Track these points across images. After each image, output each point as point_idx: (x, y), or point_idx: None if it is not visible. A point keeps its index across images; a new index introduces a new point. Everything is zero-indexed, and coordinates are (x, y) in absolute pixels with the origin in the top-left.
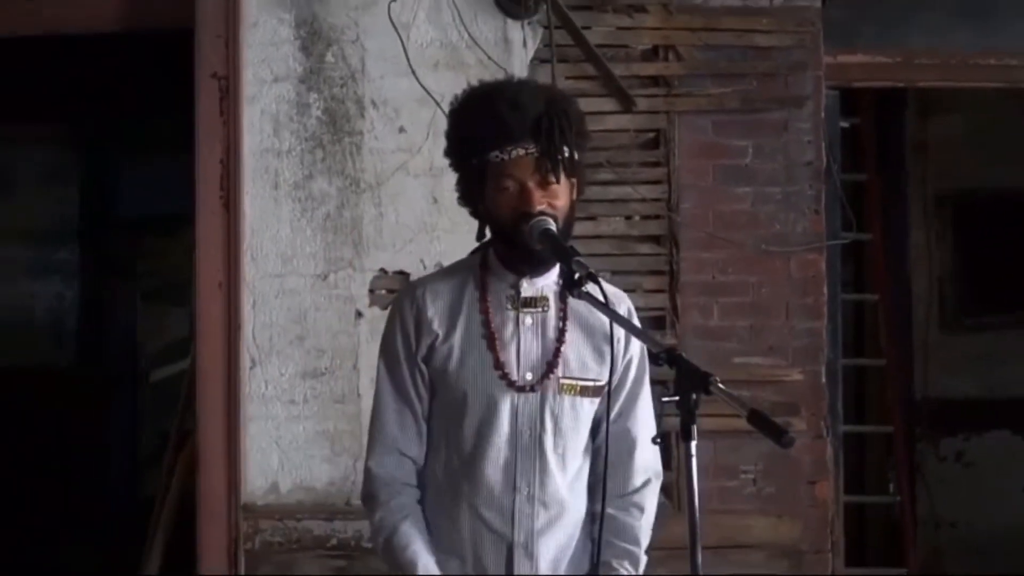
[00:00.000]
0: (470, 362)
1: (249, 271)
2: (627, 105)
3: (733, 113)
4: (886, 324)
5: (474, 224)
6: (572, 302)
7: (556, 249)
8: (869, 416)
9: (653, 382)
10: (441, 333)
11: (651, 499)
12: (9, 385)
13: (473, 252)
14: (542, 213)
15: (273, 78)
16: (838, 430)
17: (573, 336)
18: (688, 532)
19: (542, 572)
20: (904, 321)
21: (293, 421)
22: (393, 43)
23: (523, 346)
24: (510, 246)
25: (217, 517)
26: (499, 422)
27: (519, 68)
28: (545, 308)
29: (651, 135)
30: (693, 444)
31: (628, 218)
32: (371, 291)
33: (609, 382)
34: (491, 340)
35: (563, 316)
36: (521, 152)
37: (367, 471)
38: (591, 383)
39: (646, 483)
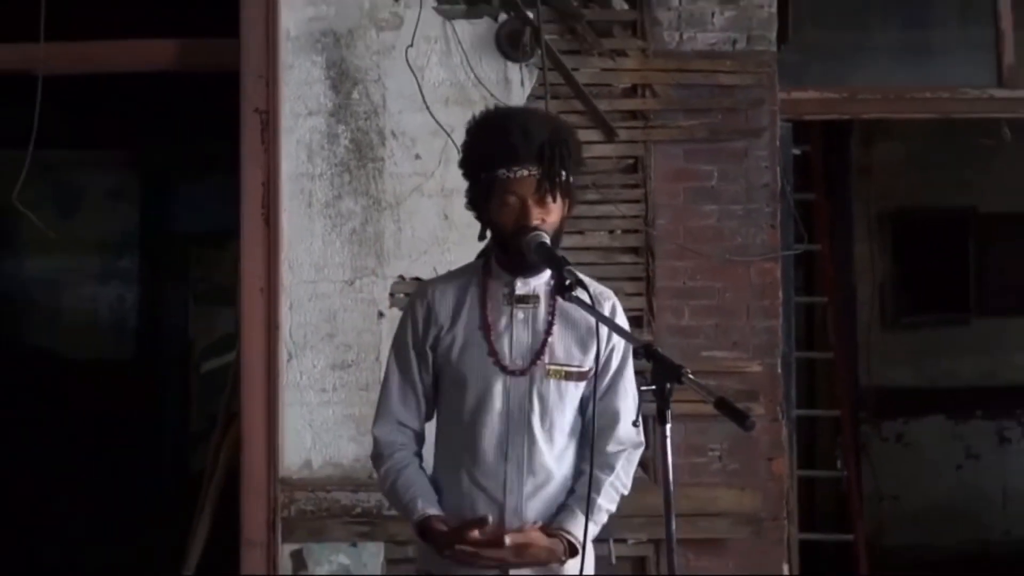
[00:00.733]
0: (469, 349)
1: (287, 278)
2: (610, 136)
3: (701, 142)
4: (834, 323)
5: (479, 240)
6: (560, 299)
7: (550, 259)
8: (819, 402)
9: (635, 373)
10: (446, 325)
11: (623, 465)
12: (77, 375)
13: (478, 256)
14: (537, 228)
15: (307, 112)
16: (792, 414)
17: (560, 328)
18: (663, 502)
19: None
20: (849, 320)
21: (324, 406)
22: (410, 82)
23: (515, 336)
24: (507, 252)
25: (258, 489)
26: (493, 401)
27: (517, 104)
28: (536, 305)
29: (630, 161)
30: (668, 427)
31: (611, 232)
32: (391, 295)
33: (596, 369)
34: (487, 331)
35: (552, 311)
36: (525, 173)
37: (374, 437)
38: (575, 369)
39: (620, 451)
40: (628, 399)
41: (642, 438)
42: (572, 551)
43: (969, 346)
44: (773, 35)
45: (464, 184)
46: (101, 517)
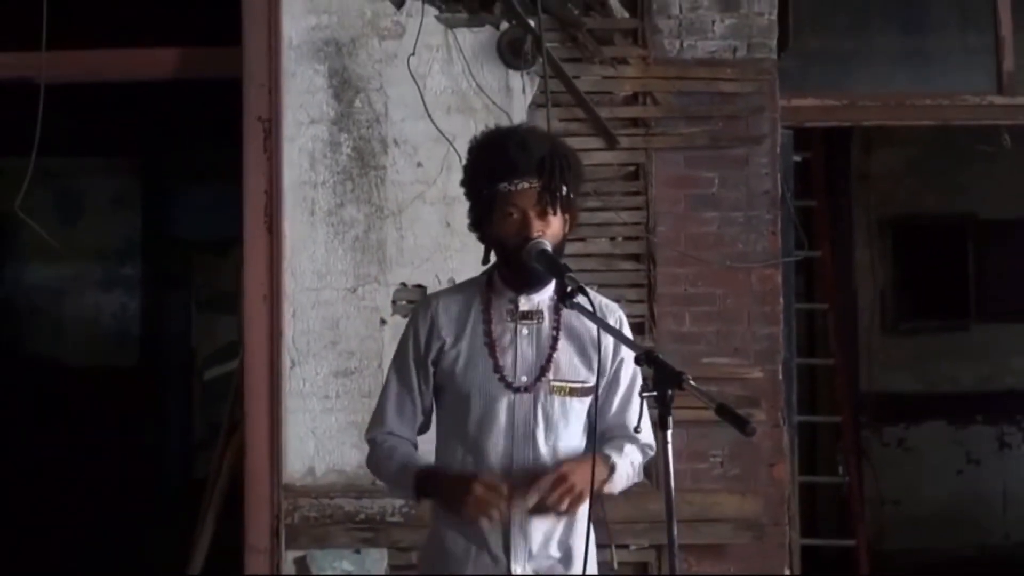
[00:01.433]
0: (473, 365)
1: (289, 285)
2: (611, 143)
3: (702, 150)
4: (834, 329)
5: (480, 247)
6: (565, 315)
7: (550, 266)
8: (820, 408)
9: None
10: (449, 340)
11: (644, 451)
12: (80, 383)
13: (483, 273)
14: (537, 237)
15: (309, 121)
16: (793, 420)
17: (564, 344)
18: (665, 507)
19: (534, 547)
20: (850, 326)
21: (327, 413)
22: (412, 91)
23: (519, 352)
24: (510, 265)
25: (262, 495)
26: (497, 418)
27: (519, 112)
28: (540, 320)
29: (632, 168)
30: (669, 432)
31: (612, 239)
32: (393, 302)
33: (596, 383)
34: (491, 347)
35: (556, 327)
36: (526, 185)
37: (368, 442)
38: (580, 384)
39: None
40: (644, 416)
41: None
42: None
43: (969, 351)
44: (773, 42)
45: (463, 193)
46: (105, 524)
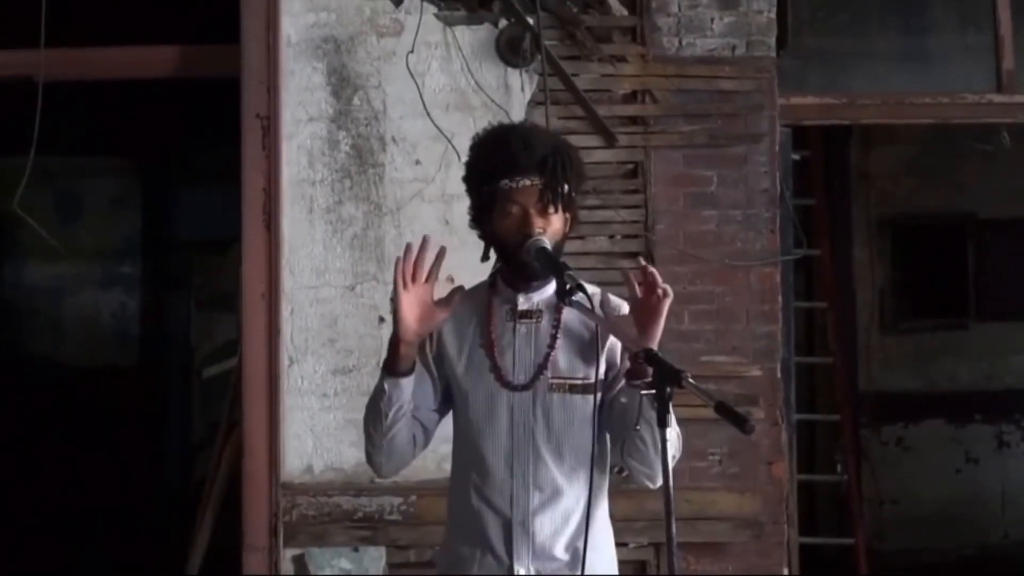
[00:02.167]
0: (472, 366)
1: (288, 283)
2: (610, 141)
3: (701, 148)
4: (833, 327)
5: (479, 245)
6: (565, 314)
7: (550, 263)
8: (819, 406)
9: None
10: (451, 343)
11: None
12: (80, 382)
13: (489, 276)
14: (537, 234)
15: (308, 118)
16: (792, 418)
17: (563, 342)
18: (664, 505)
19: (538, 546)
20: (849, 325)
21: (325, 411)
22: (410, 88)
23: (517, 351)
24: (509, 262)
25: (260, 494)
26: (497, 417)
27: (518, 110)
28: (538, 319)
29: (630, 167)
30: (668, 431)
31: (611, 237)
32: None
33: (596, 383)
34: (490, 347)
35: (556, 325)
36: (527, 183)
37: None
38: (580, 381)
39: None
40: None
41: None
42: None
43: (968, 350)
44: (772, 41)
45: (465, 189)
46: (104, 522)
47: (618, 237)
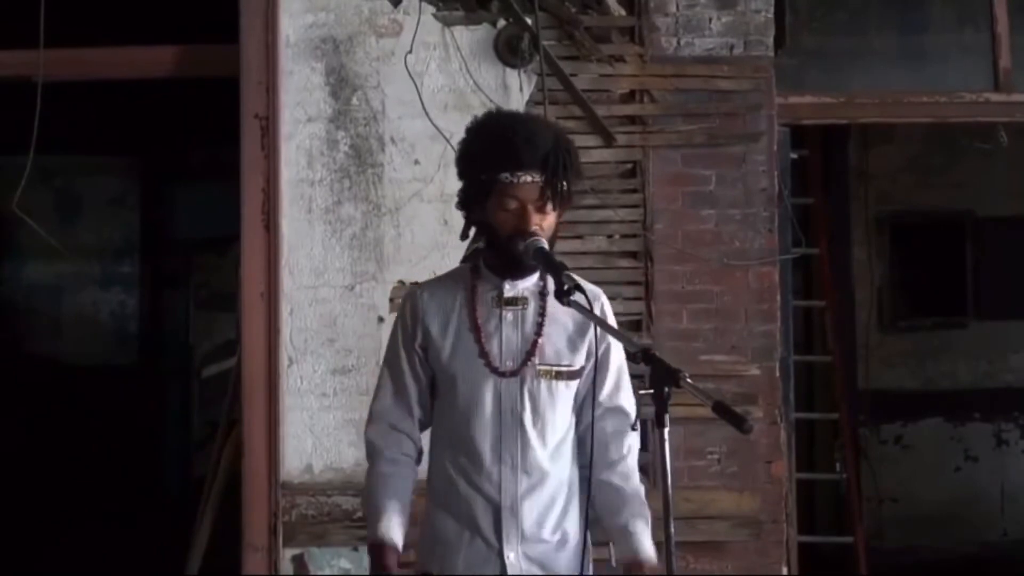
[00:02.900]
0: (459, 352)
1: (287, 283)
2: (608, 141)
3: (699, 147)
4: (832, 326)
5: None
6: (550, 301)
7: (548, 264)
8: (818, 405)
9: (632, 377)
10: (436, 329)
11: (635, 463)
12: (79, 381)
13: (463, 260)
14: (535, 233)
15: (307, 118)
16: (791, 417)
17: (550, 330)
18: (662, 505)
19: (525, 529)
20: (847, 323)
21: (324, 411)
22: (409, 88)
23: (504, 338)
24: (501, 254)
25: (260, 493)
26: (484, 403)
27: (516, 109)
28: (524, 306)
29: (629, 166)
30: (666, 430)
31: (609, 237)
32: (391, 300)
33: (584, 369)
34: (477, 333)
35: (542, 312)
36: (528, 179)
37: (366, 439)
38: (565, 368)
39: (630, 448)
40: (630, 393)
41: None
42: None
43: (967, 349)
44: (770, 40)
45: (456, 171)
46: (103, 522)
47: (616, 237)
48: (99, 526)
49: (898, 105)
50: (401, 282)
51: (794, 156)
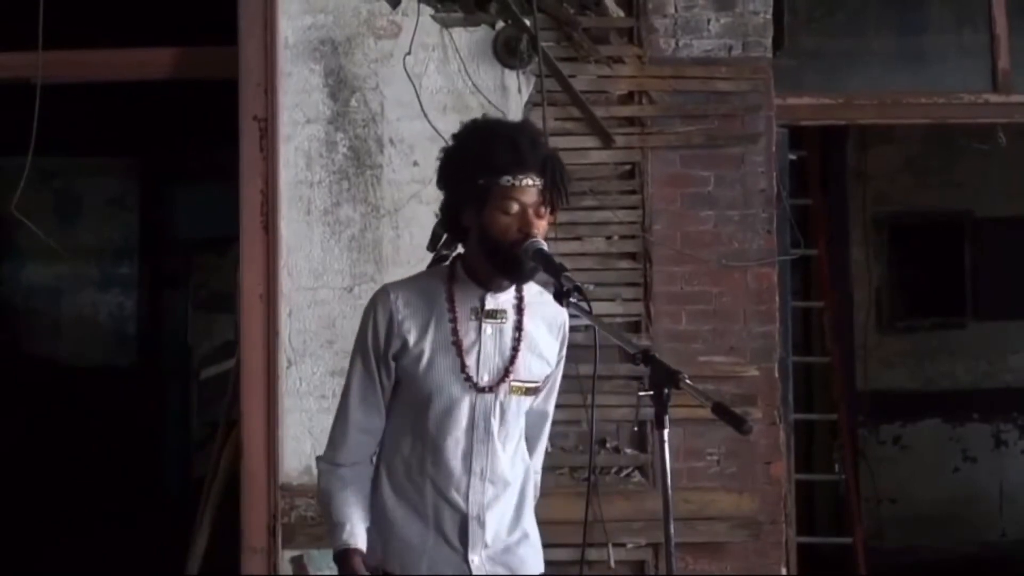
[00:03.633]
0: (437, 364)
1: (286, 284)
2: (607, 142)
3: (698, 148)
4: (830, 327)
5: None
6: (526, 317)
7: (548, 265)
8: (817, 406)
9: (631, 379)
10: (412, 337)
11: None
12: (78, 382)
13: (432, 264)
14: (535, 236)
15: (305, 120)
16: (790, 418)
17: (525, 346)
18: (662, 506)
19: (488, 537)
20: (846, 324)
21: (323, 413)
22: (408, 90)
23: (483, 352)
24: (498, 259)
25: (259, 495)
26: (459, 416)
27: (515, 111)
28: (503, 320)
29: (628, 167)
30: (665, 431)
31: (608, 238)
32: None
33: (595, 374)
34: (458, 348)
35: (519, 327)
36: (530, 182)
37: (330, 438)
38: (533, 384)
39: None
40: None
41: None
42: None
43: (965, 349)
44: (768, 41)
45: (443, 176)
46: (103, 523)
47: (615, 238)
48: (99, 526)
49: (897, 106)
50: None
51: (793, 157)
